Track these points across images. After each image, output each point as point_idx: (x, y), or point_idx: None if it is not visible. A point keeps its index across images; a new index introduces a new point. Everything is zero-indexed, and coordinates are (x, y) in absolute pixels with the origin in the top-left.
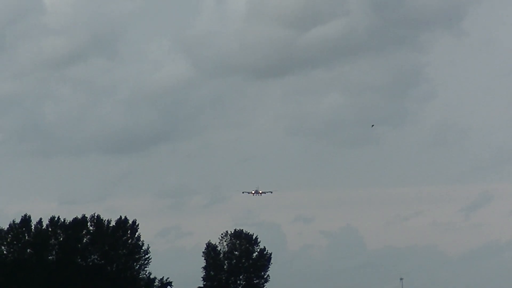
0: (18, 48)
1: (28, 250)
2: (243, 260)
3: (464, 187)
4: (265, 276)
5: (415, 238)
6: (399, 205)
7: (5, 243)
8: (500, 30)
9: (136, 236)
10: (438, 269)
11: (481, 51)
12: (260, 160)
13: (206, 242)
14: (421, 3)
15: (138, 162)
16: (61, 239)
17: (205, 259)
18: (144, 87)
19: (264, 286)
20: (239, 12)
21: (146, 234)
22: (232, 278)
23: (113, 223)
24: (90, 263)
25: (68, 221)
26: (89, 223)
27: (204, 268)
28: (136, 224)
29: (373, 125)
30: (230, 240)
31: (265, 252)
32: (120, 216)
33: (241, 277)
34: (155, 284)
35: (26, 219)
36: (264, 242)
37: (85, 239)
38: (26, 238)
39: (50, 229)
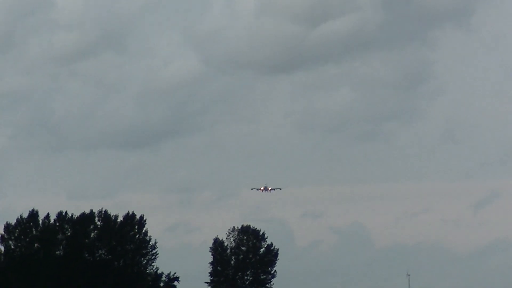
0: (28, 44)
1: (36, 245)
2: (250, 256)
3: (472, 184)
4: (272, 272)
5: (422, 234)
6: (407, 202)
7: (12, 238)
8: (509, 27)
9: (143, 231)
10: (445, 266)
11: (490, 48)
12: (269, 156)
13: (214, 237)
14: None
15: (147, 157)
16: (69, 234)
17: (212, 255)
18: (154, 83)
19: (271, 281)
20: (249, 8)
21: (154, 230)
22: (239, 273)
23: (120, 219)
24: (98, 258)
25: (76, 216)
26: (96, 218)
27: (211, 263)
28: (144, 219)
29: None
30: (237, 235)
31: (272, 248)
32: (128, 211)
33: (248, 272)
34: (162, 279)
35: (33, 214)
36: (273, 238)
37: (92, 234)
38: (34, 233)
39: (57, 224)
